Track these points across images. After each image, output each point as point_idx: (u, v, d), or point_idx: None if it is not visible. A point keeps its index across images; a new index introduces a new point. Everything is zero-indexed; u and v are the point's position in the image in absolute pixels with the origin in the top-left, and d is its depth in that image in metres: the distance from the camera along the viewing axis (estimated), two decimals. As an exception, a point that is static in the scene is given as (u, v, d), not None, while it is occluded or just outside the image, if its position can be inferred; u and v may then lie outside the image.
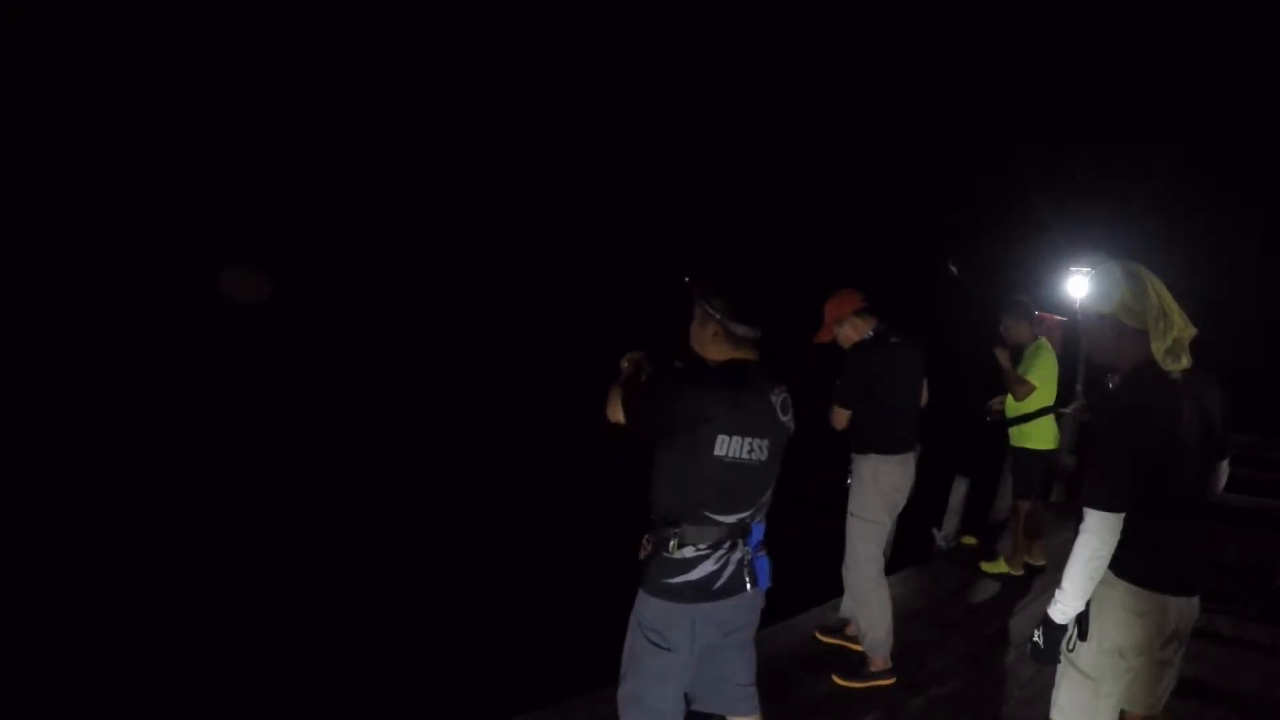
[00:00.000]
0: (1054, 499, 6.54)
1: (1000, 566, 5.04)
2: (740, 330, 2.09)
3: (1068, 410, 5.22)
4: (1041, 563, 5.05)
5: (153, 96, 14.66)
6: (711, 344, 2.13)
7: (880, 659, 3.36)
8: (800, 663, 3.56)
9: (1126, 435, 1.95)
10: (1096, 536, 1.93)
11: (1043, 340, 4.71)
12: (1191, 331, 1.99)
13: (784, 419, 2.14)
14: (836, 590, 3.75)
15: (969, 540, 5.63)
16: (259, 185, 14.88)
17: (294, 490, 7.08)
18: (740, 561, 2.07)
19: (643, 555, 2.09)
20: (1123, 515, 1.94)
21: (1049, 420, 4.78)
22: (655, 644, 2.05)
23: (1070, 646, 2.06)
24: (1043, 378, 4.61)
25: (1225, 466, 2.22)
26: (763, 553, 2.14)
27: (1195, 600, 2.06)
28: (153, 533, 6.13)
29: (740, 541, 2.08)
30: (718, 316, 2.09)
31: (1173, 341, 1.97)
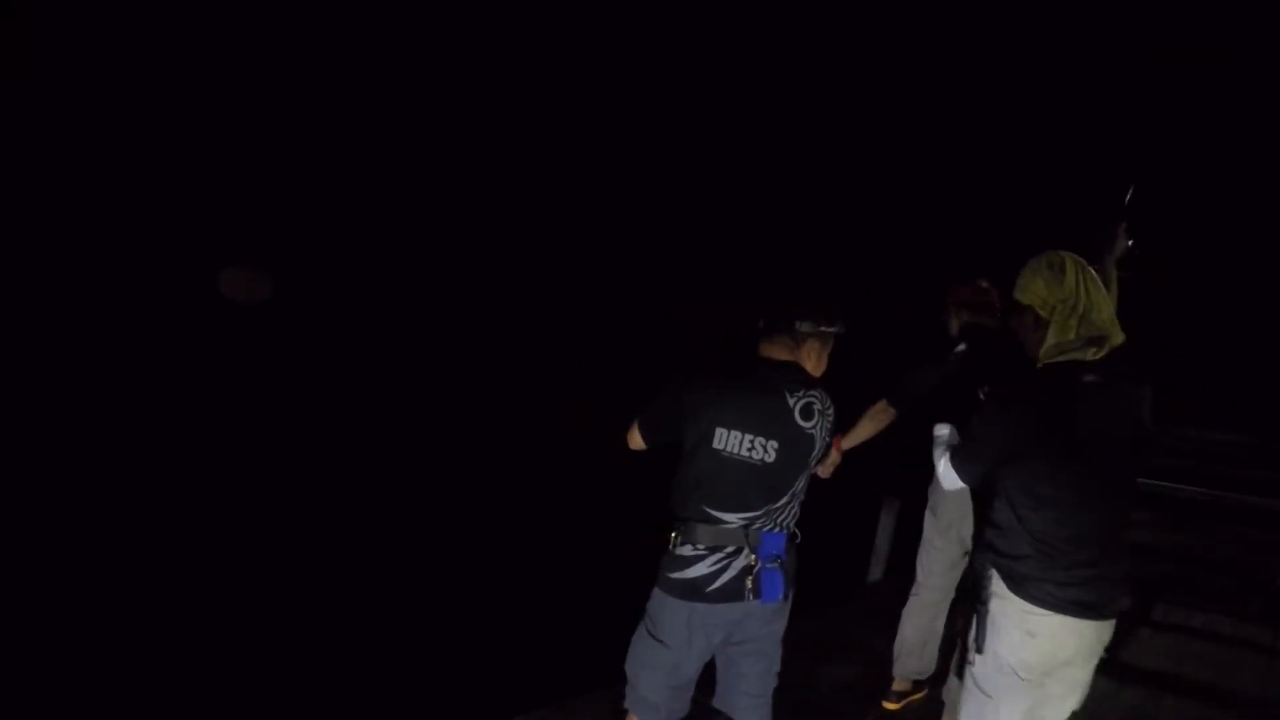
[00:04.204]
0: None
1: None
2: (803, 326, 2.09)
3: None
4: None
5: (152, 96, 14.66)
6: (765, 341, 2.14)
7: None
8: (799, 662, 3.56)
9: (1008, 423, 1.90)
10: (945, 479, 2.04)
11: None
12: (1119, 337, 1.91)
13: (803, 424, 2.06)
14: (835, 590, 3.75)
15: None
16: (259, 185, 14.89)
17: (294, 490, 7.08)
18: (744, 569, 2.04)
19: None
20: (966, 489, 2.04)
21: None
22: (650, 633, 2.11)
23: (970, 660, 2.00)
24: None
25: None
26: (776, 566, 2.09)
27: (1109, 623, 1.97)
28: (153, 533, 6.13)
29: (747, 549, 2.05)
30: (805, 329, 2.10)
31: (1075, 336, 1.89)
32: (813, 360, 2.14)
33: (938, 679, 3.48)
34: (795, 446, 2.06)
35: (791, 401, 2.05)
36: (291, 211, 14.83)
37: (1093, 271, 1.95)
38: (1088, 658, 1.98)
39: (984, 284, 3.06)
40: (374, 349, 11.81)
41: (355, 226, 15.33)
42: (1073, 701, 2.03)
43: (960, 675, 2.09)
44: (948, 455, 2.05)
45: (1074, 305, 1.89)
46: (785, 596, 2.13)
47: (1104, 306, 1.92)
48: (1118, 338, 1.91)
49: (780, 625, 2.20)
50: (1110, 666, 3.85)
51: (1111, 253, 2.59)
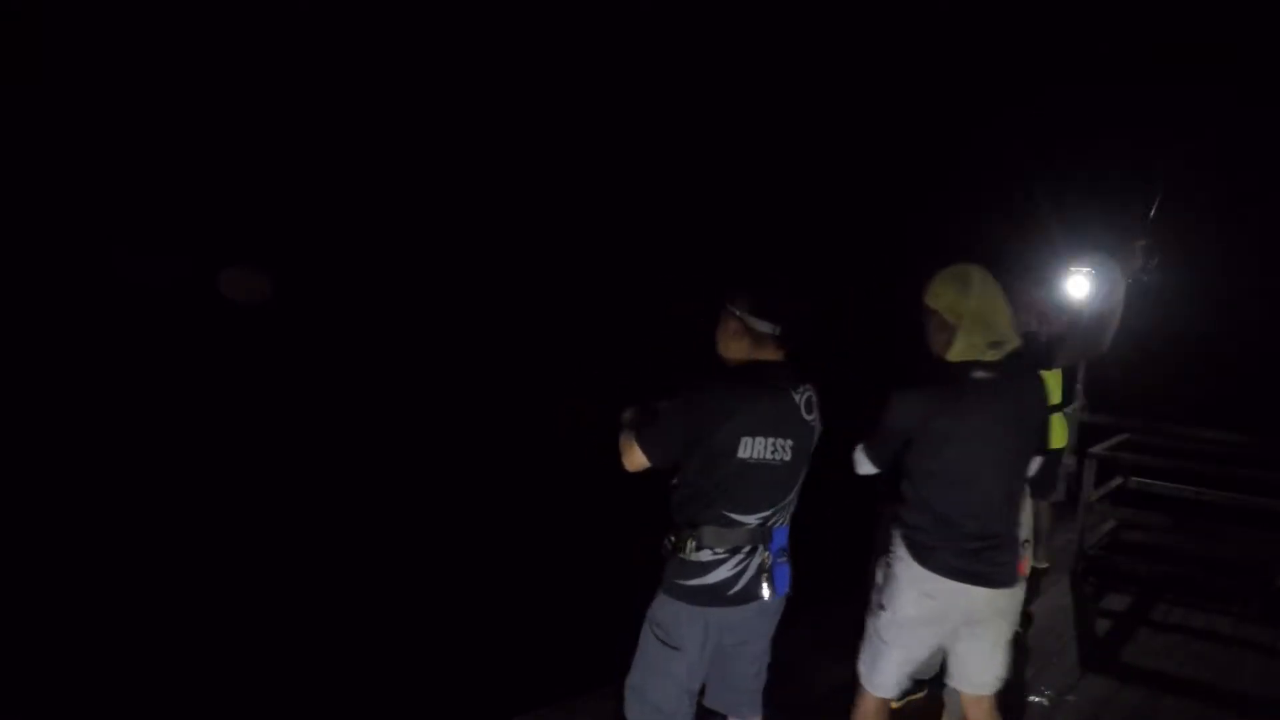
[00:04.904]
0: (1054, 499, 6.54)
1: None
2: (762, 327, 2.06)
3: (1068, 409, 5.22)
4: (1045, 565, 5.04)
5: (152, 96, 14.66)
6: (732, 342, 2.10)
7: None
8: (798, 662, 3.56)
9: (904, 410, 2.16)
10: (859, 467, 2.32)
11: None
12: (1015, 341, 2.18)
13: (809, 418, 2.11)
14: (833, 590, 3.75)
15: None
16: (258, 185, 14.88)
17: (294, 490, 7.08)
18: (760, 567, 2.05)
19: (664, 554, 2.09)
20: (876, 472, 2.28)
21: (1059, 419, 4.77)
22: (662, 641, 2.06)
23: (874, 613, 2.33)
24: (1046, 377, 4.60)
25: (1036, 459, 2.38)
26: (784, 559, 2.12)
27: (1003, 591, 2.22)
28: (153, 532, 6.13)
29: (761, 546, 2.06)
30: (738, 313, 2.07)
31: (980, 339, 2.13)
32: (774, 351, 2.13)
33: (938, 679, 3.48)
34: (805, 440, 2.10)
35: (798, 398, 2.08)
36: (290, 211, 14.83)
37: (995, 282, 2.19)
38: (986, 621, 2.24)
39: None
40: (373, 349, 11.81)
41: (355, 226, 15.33)
42: (993, 663, 2.33)
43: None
44: (860, 444, 2.32)
45: (979, 315, 2.13)
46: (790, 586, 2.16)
47: (1004, 313, 2.17)
48: (1014, 342, 2.18)
49: (779, 616, 2.21)
50: (1110, 666, 3.86)
51: (1124, 271, 2.56)
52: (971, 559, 2.16)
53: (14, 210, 11.60)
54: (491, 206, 16.92)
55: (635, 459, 2.08)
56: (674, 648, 2.04)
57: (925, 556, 2.19)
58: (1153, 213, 2.66)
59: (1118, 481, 5.71)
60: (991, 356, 2.14)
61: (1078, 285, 3.09)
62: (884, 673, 2.34)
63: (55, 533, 6.04)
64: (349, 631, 4.90)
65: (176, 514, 6.50)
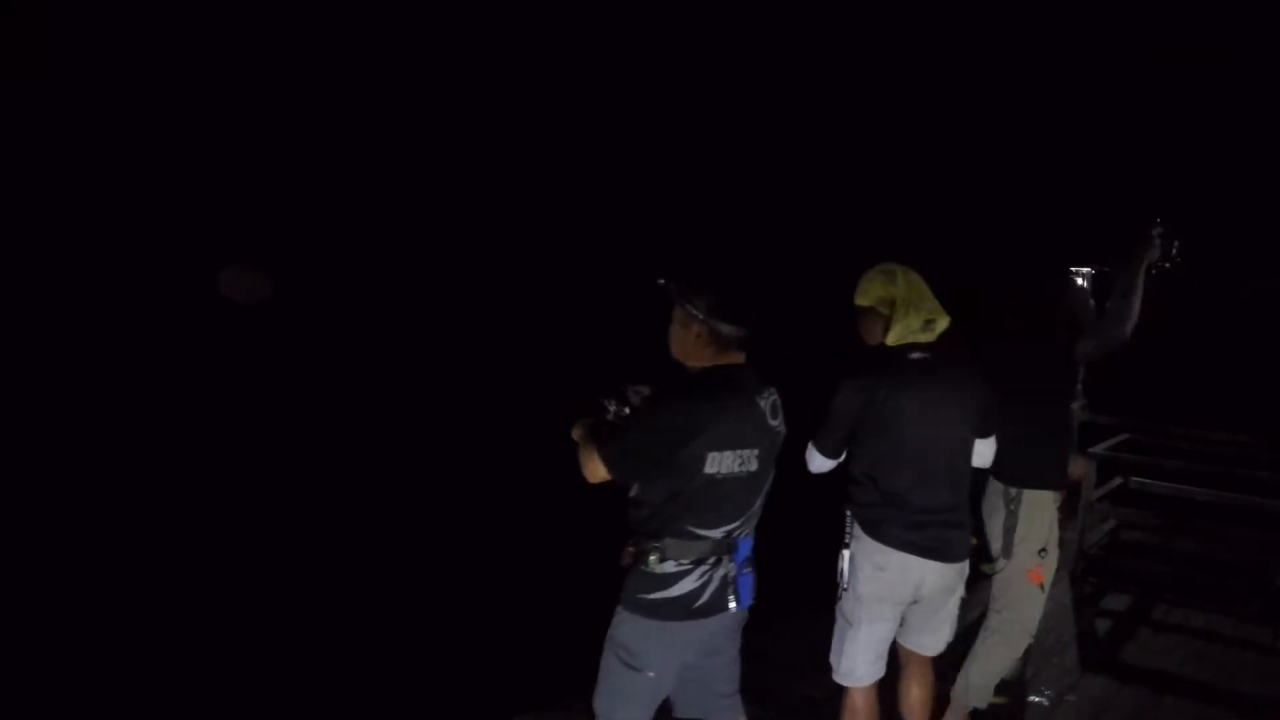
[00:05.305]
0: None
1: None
2: (727, 330, 1.95)
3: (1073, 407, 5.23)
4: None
5: (151, 96, 14.65)
6: (695, 348, 1.98)
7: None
8: (797, 662, 3.56)
9: (846, 398, 2.31)
10: (812, 464, 2.43)
11: None
12: (945, 319, 2.34)
13: (774, 424, 2.02)
14: (832, 587, 3.74)
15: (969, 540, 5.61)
16: (258, 185, 14.88)
17: (294, 490, 7.08)
18: (724, 579, 1.95)
19: (624, 565, 1.98)
20: (835, 461, 2.40)
21: None
22: (625, 663, 1.95)
23: (839, 595, 2.45)
24: None
25: (987, 444, 2.50)
26: (749, 569, 2.02)
27: (952, 566, 2.37)
28: (152, 532, 6.13)
29: (726, 557, 1.95)
30: (701, 317, 1.94)
31: (914, 320, 2.30)
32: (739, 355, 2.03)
33: (944, 678, 3.48)
34: (770, 448, 2.02)
35: (763, 404, 1.99)
36: (290, 211, 14.83)
37: (914, 273, 2.38)
38: (936, 595, 2.41)
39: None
40: (372, 350, 11.81)
41: (354, 227, 15.33)
42: (943, 632, 2.51)
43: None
44: (811, 441, 2.43)
45: (908, 300, 2.31)
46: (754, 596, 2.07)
47: (929, 294, 2.36)
48: (944, 320, 2.34)
49: (741, 629, 2.12)
50: (1110, 666, 3.86)
51: (1142, 259, 2.60)
52: (919, 532, 2.30)
53: (13, 210, 11.60)
54: (491, 206, 16.92)
55: (596, 472, 1.97)
56: (638, 669, 1.93)
57: (875, 530, 2.34)
58: (1175, 252, 2.67)
59: (1118, 481, 5.71)
60: (926, 337, 2.33)
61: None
62: (851, 657, 2.43)
63: (55, 532, 6.04)
64: (349, 631, 4.90)
65: (175, 514, 6.49)
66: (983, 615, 3.00)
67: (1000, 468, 2.74)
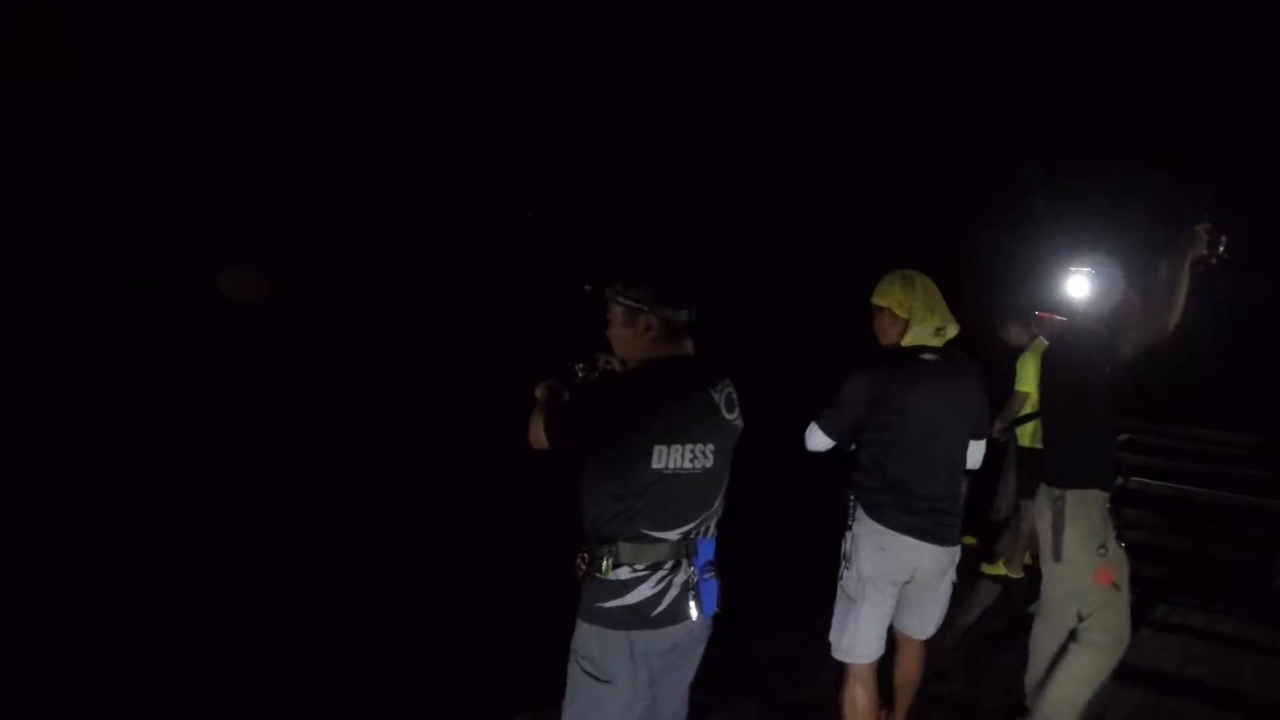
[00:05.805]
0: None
1: (999, 569, 5.03)
2: (676, 316, 1.82)
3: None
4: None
5: (151, 96, 14.66)
6: (644, 341, 1.85)
7: None
8: (797, 662, 3.56)
9: (860, 387, 2.47)
10: (810, 440, 2.61)
11: (1039, 341, 4.66)
12: (955, 327, 2.52)
13: (729, 417, 1.88)
14: (832, 588, 3.74)
15: (968, 540, 5.61)
16: (258, 185, 14.89)
17: (294, 490, 7.08)
18: (684, 585, 1.82)
19: (579, 574, 1.86)
20: (834, 443, 2.57)
21: None
22: (591, 675, 1.82)
23: (840, 575, 2.59)
24: (1035, 380, 4.58)
25: (979, 446, 2.65)
26: (710, 575, 1.88)
27: (946, 550, 2.52)
28: (151, 532, 6.13)
29: (685, 562, 1.82)
30: (646, 308, 1.81)
31: (929, 326, 2.48)
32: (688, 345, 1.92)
33: (945, 678, 3.48)
34: (726, 443, 1.90)
35: (717, 397, 1.86)
36: (289, 211, 14.83)
37: (929, 280, 2.55)
38: (933, 577, 2.56)
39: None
40: (369, 350, 11.81)
41: (354, 227, 15.34)
42: (932, 613, 2.66)
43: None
44: (814, 421, 2.60)
45: (927, 304, 2.49)
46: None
47: (943, 304, 2.53)
48: (954, 328, 2.52)
49: (705, 642, 1.97)
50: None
51: (1186, 254, 2.59)
52: (918, 517, 2.47)
53: (14, 210, 11.60)
54: (491, 206, 16.92)
55: (538, 438, 1.90)
56: (605, 681, 1.80)
57: (879, 514, 2.49)
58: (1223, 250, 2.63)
59: (1118, 481, 5.72)
60: (936, 342, 2.51)
61: (1077, 286, 3.05)
62: (853, 633, 2.55)
63: (54, 532, 6.04)
64: (349, 631, 4.90)
65: (174, 514, 6.49)
66: (983, 615, 3.01)
67: (1046, 470, 2.84)
